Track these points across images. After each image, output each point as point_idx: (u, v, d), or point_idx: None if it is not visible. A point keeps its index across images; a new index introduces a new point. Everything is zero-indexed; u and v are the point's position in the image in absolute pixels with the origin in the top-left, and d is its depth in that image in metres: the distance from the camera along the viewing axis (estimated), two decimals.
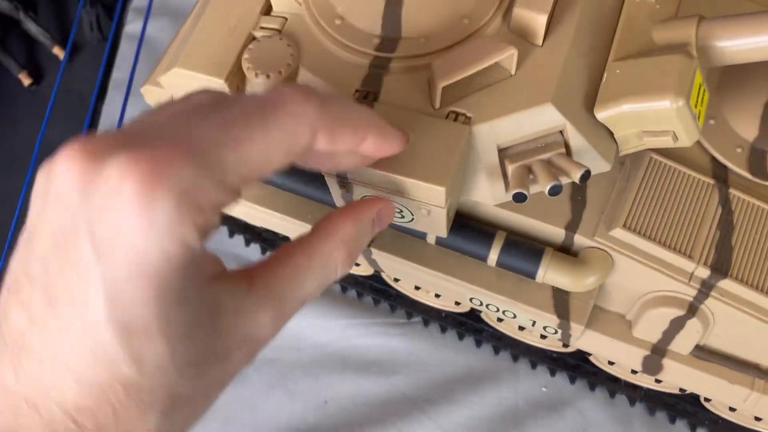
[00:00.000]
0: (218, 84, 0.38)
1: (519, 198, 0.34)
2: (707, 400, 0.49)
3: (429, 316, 0.57)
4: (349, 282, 0.59)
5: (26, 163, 0.66)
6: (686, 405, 0.51)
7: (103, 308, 0.21)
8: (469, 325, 0.56)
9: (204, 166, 0.22)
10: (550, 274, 0.39)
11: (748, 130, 0.40)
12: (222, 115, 0.24)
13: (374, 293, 0.58)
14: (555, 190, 0.34)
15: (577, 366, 0.54)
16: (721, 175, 0.40)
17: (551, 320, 0.41)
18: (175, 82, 0.40)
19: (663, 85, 0.33)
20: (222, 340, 0.24)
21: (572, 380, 0.55)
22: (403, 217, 0.37)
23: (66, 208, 0.22)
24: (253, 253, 0.61)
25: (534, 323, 0.42)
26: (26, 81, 0.74)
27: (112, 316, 0.21)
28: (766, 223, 0.39)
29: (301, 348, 0.58)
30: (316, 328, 0.59)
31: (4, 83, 0.74)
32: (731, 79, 0.41)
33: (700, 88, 0.34)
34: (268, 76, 0.37)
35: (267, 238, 0.59)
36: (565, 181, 0.34)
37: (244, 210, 0.47)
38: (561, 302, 0.40)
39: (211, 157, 0.22)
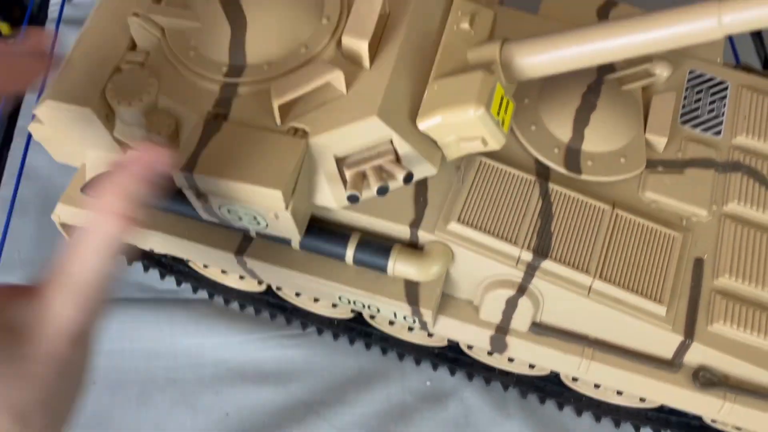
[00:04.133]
0: (87, 113, 0.42)
1: (352, 199, 0.39)
2: (574, 379, 0.54)
3: (322, 325, 0.61)
4: (246, 299, 0.62)
5: None
6: (553, 386, 0.57)
7: None
8: (358, 329, 0.60)
9: None
10: (399, 266, 0.44)
11: (563, 132, 0.47)
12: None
13: (270, 308, 0.62)
14: (382, 191, 0.39)
15: (455, 359, 0.58)
16: (543, 172, 0.46)
17: (405, 309, 0.45)
18: (49, 113, 0.43)
19: (466, 98, 0.39)
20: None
21: (452, 372, 0.59)
22: (259, 223, 0.42)
23: None
24: (154, 278, 0.64)
25: (395, 314, 0.47)
26: None
27: None
28: (580, 211, 0.45)
29: (202, 365, 0.61)
30: (216, 346, 0.62)
31: None
32: (549, 90, 0.48)
33: (502, 99, 0.40)
34: (130, 104, 0.41)
35: (164, 263, 0.62)
36: (391, 183, 0.39)
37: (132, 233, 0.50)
38: (412, 292, 0.45)
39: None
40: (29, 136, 0.70)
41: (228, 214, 0.42)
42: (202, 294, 0.64)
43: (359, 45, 0.40)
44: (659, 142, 0.47)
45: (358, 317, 0.58)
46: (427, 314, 0.45)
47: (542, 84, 0.48)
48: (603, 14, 0.54)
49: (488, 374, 0.58)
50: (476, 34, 0.44)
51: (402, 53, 0.41)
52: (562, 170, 0.46)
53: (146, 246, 0.53)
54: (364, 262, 0.45)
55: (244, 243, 0.48)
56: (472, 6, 0.45)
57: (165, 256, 0.60)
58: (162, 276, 0.64)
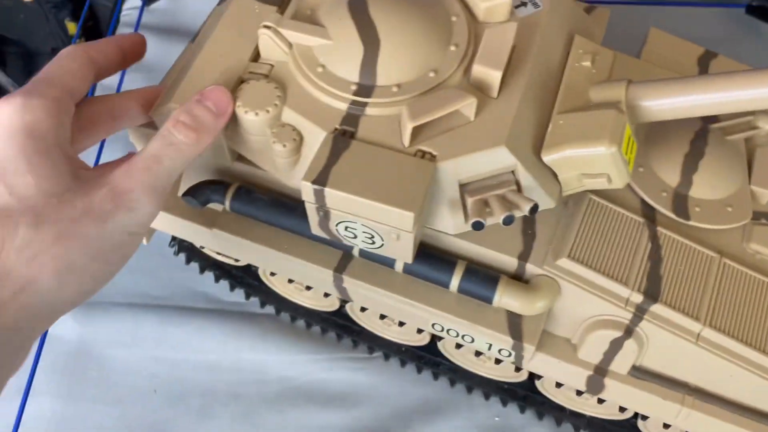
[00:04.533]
0: None
1: (477, 226, 0.39)
2: (644, 417, 0.53)
3: (389, 350, 0.60)
4: (314, 318, 0.61)
5: None
6: (624, 431, 0.56)
7: None
8: (427, 358, 0.59)
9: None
10: (505, 298, 0.43)
11: (671, 177, 0.47)
12: None
13: (337, 329, 0.61)
14: (508, 220, 0.39)
15: (526, 396, 0.57)
16: (649, 214, 0.46)
17: (506, 342, 0.45)
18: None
19: (599, 135, 0.39)
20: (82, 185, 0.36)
21: (522, 410, 0.58)
22: (374, 243, 0.41)
23: None
24: (222, 289, 0.64)
25: (490, 347, 0.46)
26: None
27: None
28: (689, 257, 0.45)
29: (266, 383, 0.60)
30: (281, 363, 0.61)
31: None
32: (656, 134, 0.48)
33: (629, 139, 0.40)
34: (257, 114, 0.41)
35: (236, 275, 0.62)
36: (517, 213, 0.39)
37: (223, 243, 0.50)
38: (515, 325, 0.45)
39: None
40: (103, 140, 0.70)
41: (344, 231, 0.41)
42: (269, 309, 0.64)
43: (492, 75, 0.40)
44: (764, 194, 0.47)
45: (427, 345, 0.57)
46: (529, 350, 0.44)
47: (649, 127, 0.48)
48: (703, 64, 0.54)
49: (559, 414, 0.57)
50: (597, 72, 0.44)
51: (528, 85, 0.42)
52: (670, 214, 0.46)
53: (238, 257, 0.52)
54: (469, 292, 0.44)
55: (344, 261, 0.47)
56: (593, 45, 0.46)
57: (244, 269, 0.59)
58: (232, 288, 0.63)
